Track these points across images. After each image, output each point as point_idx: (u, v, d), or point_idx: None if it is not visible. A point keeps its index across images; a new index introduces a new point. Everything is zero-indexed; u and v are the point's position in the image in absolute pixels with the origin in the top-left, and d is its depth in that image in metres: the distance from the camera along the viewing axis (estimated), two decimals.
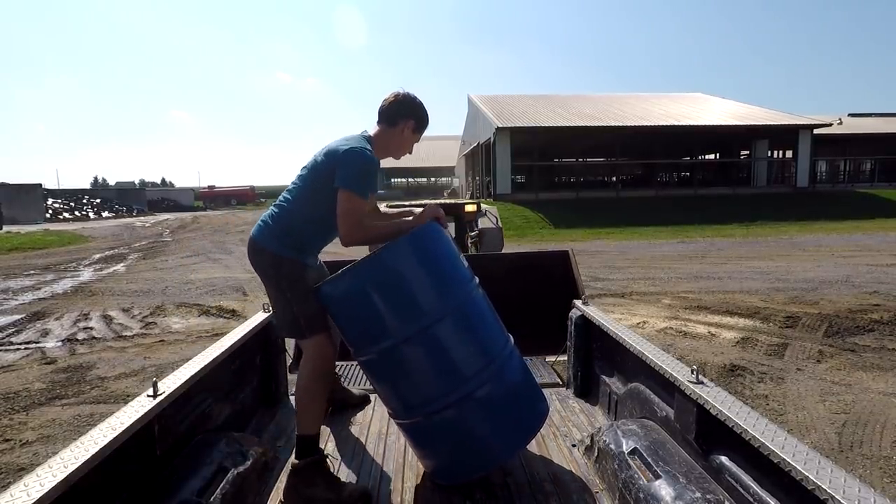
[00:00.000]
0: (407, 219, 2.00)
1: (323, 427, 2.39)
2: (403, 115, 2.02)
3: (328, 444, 2.25)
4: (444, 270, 1.89)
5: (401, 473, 2.02)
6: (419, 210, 2.07)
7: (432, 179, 54.98)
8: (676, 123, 21.91)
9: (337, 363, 2.96)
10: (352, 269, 1.78)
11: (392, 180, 52.15)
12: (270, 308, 2.71)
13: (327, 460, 1.95)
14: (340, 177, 1.85)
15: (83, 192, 42.38)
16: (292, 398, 2.71)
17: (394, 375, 1.88)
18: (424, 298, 1.81)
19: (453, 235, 6.50)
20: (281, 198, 2.02)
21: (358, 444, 2.26)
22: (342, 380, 2.89)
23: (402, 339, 1.77)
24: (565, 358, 2.87)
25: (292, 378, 2.96)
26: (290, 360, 3.00)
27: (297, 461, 1.87)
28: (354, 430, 2.40)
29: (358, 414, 2.57)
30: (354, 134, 2.02)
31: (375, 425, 2.43)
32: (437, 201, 9.15)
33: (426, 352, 1.81)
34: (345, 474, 2.02)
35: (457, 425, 1.84)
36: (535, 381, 2.07)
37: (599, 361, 2.60)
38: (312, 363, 1.96)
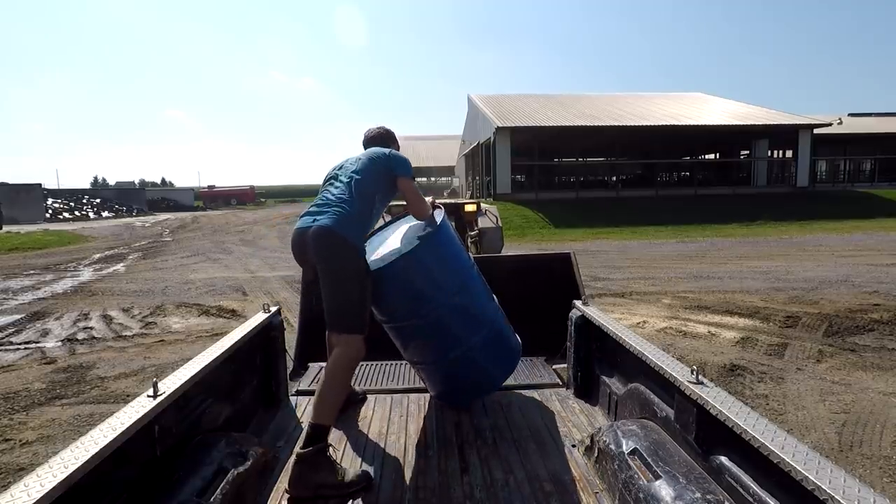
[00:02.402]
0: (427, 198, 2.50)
1: None
2: (392, 140, 2.60)
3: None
4: (459, 255, 2.47)
5: (401, 473, 2.02)
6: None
7: (432, 179, 54.97)
8: (676, 123, 21.89)
9: None
10: (406, 255, 2.22)
11: None
12: (273, 307, 2.73)
13: (330, 448, 1.98)
14: (401, 170, 2.31)
15: (83, 191, 42.38)
16: (293, 399, 2.71)
17: (422, 336, 2.39)
18: (448, 277, 2.35)
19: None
20: (338, 195, 2.20)
21: (358, 443, 2.26)
22: None
23: (439, 306, 2.30)
24: (565, 358, 2.87)
25: (293, 380, 2.96)
26: (291, 366, 3.00)
27: (302, 450, 1.89)
28: (354, 429, 2.40)
29: (358, 414, 2.57)
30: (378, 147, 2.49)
31: (376, 425, 2.43)
32: (438, 201, 9.12)
33: (449, 316, 2.35)
34: None
35: (466, 366, 2.44)
36: (510, 328, 2.63)
37: (599, 362, 2.60)
38: (349, 357, 2.10)
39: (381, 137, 2.58)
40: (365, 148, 2.56)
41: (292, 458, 1.92)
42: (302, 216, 2.21)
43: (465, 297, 2.40)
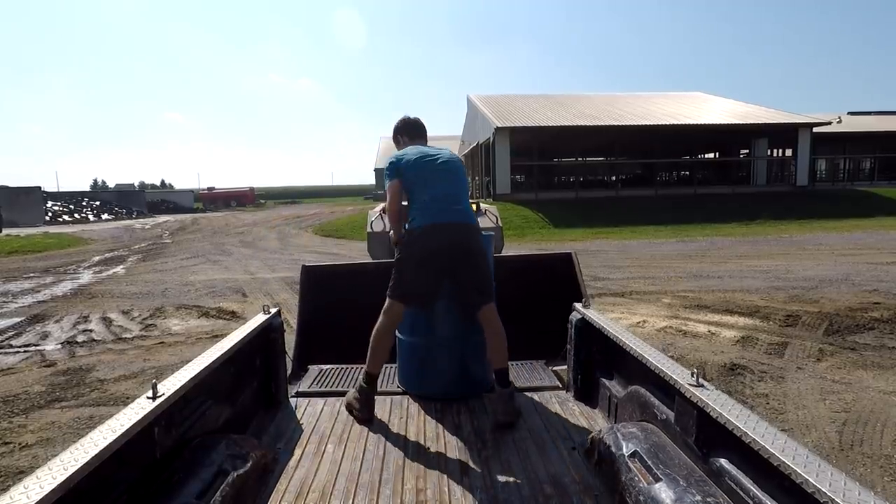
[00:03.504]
0: None
1: (324, 426, 2.41)
2: None
3: (328, 445, 2.25)
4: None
5: (401, 473, 2.02)
6: None
7: None
8: (676, 122, 21.90)
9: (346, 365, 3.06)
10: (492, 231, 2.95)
11: None
12: (272, 308, 2.73)
13: None
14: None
15: (83, 194, 42.45)
16: (293, 400, 2.71)
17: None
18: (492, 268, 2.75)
19: None
20: (461, 192, 2.63)
21: (358, 444, 2.26)
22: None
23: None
24: (565, 361, 2.87)
25: (292, 382, 2.96)
26: (291, 368, 2.99)
27: (505, 388, 2.44)
28: (355, 430, 2.40)
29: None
30: (442, 147, 2.84)
31: (376, 425, 2.43)
32: None
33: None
34: (346, 473, 2.02)
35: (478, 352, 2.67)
36: None
37: (599, 364, 2.60)
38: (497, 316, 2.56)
39: (425, 127, 2.96)
40: (417, 137, 2.86)
41: (500, 392, 2.42)
42: (439, 212, 2.51)
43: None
